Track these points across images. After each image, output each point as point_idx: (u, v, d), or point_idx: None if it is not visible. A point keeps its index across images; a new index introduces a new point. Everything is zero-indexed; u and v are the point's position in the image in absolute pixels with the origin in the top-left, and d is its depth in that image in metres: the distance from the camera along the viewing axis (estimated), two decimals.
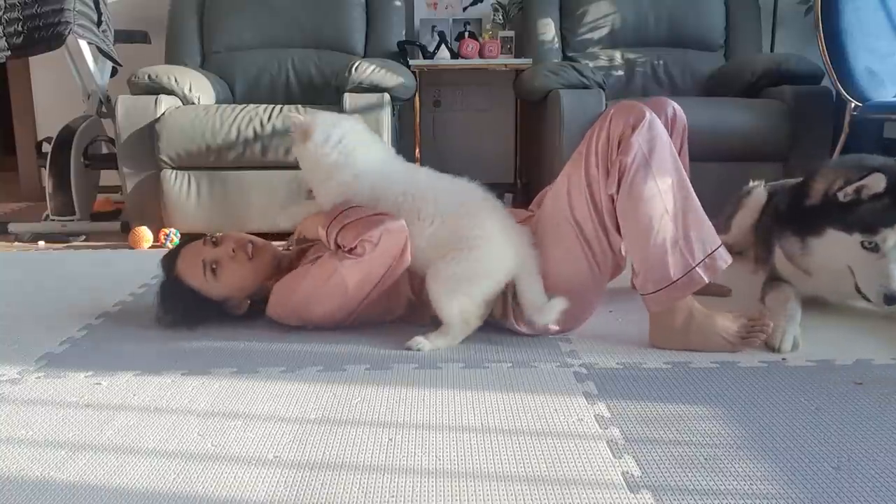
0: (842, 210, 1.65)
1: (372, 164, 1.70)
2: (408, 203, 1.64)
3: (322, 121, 1.71)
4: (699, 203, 1.57)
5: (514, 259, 1.61)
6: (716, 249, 1.55)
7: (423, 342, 1.63)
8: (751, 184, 2.28)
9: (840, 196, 1.65)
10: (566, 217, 1.62)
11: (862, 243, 1.63)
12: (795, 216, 1.78)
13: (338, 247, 1.63)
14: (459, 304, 1.62)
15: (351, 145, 1.68)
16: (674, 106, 1.80)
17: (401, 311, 1.77)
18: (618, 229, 1.59)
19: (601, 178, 1.57)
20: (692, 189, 1.57)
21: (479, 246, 1.59)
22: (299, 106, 2.81)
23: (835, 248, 1.68)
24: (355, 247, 1.60)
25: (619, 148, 1.54)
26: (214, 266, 1.74)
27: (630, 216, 1.55)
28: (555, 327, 1.67)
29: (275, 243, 1.91)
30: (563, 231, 1.63)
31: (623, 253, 1.65)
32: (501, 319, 1.72)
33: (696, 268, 1.53)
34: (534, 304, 1.60)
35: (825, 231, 1.69)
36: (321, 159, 1.68)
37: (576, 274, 1.64)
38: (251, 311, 1.80)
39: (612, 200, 1.57)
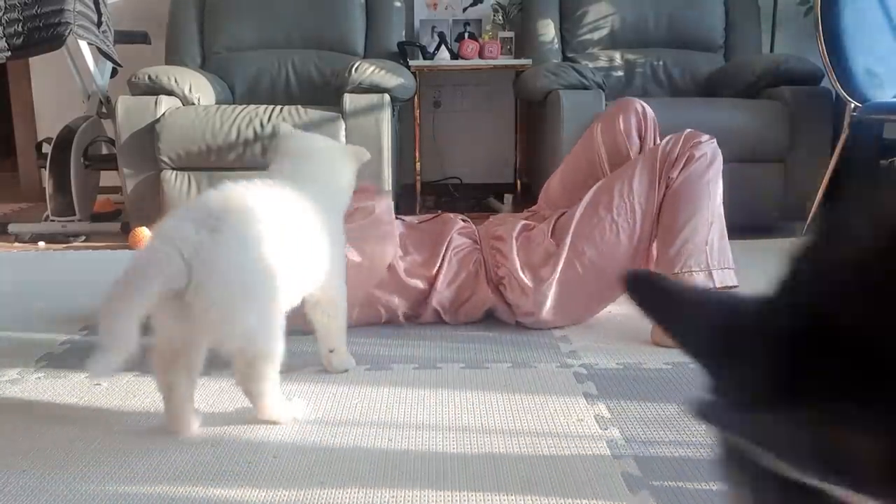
0: None
1: None
2: None
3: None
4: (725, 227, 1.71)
5: None
6: (730, 267, 1.67)
7: None
8: None
9: None
10: (628, 197, 1.70)
11: None
12: None
13: None
14: None
15: None
16: (641, 103, 1.90)
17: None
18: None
19: (667, 168, 1.69)
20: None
21: None
22: (299, 107, 2.81)
23: None
24: None
25: (690, 146, 1.69)
26: None
27: (677, 200, 1.67)
28: (550, 318, 1.74)
29: None
30: (618, 208, 1.71)
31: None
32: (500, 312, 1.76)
33: (713, 270, 1.64)
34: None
35: None
36: None
37: (610, 255, 1.71)
38: None
39: (668, 186, 1.69)
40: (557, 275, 1.70)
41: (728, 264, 1.67)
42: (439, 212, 1.94)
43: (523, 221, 1.82)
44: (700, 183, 1.68)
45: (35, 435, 1.27)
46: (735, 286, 1.66)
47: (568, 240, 1.71)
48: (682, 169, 1.68)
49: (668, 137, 1.75)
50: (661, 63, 3.37)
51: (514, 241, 1.74)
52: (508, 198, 3.47)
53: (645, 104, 1.89)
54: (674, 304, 0.43)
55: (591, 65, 3.21)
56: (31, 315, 1.94)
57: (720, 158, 1.72)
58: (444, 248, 1.76)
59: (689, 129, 1.76)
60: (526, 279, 1.71)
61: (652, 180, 1.70)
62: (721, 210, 1.71)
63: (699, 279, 1.61)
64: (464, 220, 1.87)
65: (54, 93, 3.84)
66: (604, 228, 1.71)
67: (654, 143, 1.90)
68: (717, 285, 1.62)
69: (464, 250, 1.77)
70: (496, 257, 1.75)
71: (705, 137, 1.72)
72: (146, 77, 2.88)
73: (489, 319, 1.79)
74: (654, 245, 1.72)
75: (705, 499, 1.04)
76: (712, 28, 3.40)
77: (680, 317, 0.42)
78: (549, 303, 1.71)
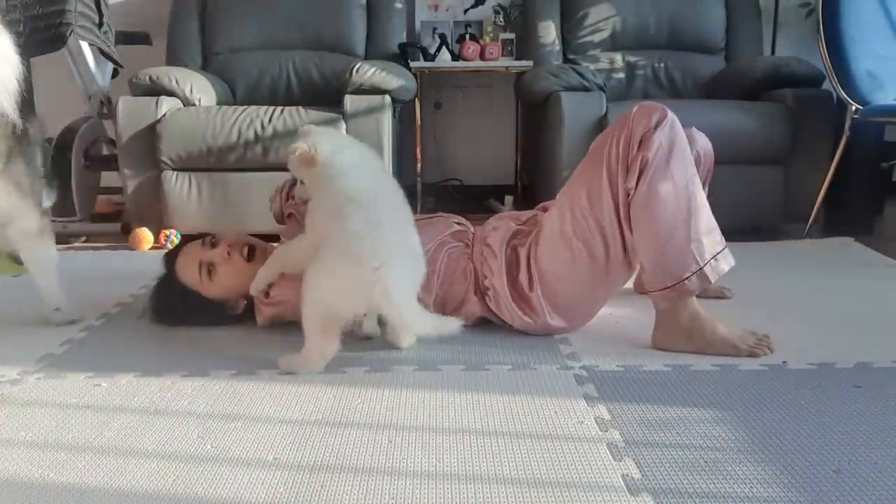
0: None
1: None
2: None
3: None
4: (707, 203, 1.60)
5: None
6: (721, 251, 1.58)
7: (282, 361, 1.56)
8: None
9: None
10: (582, 214, 1.62)
11: None
12: None
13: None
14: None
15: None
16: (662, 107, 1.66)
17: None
18: (631, 226, 1.60)
19: (620, 174, 1.58)
20: (702, 189, 1.61)
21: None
22: (300, 108, 2.81)
23: None
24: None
25: (640, 145, 1.56)
26: (210, 267, 1.75)
27: (646, 211, 1.56)
28: (559, 325, 1.71)
29: (274, 245, 1.91)
30: (576, 230, 1.63)
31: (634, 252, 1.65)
32: (497, 316, 1.75)
33: (704, 268, 1.56)
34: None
35: None
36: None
37: (585, 273, 1.65)
38: (249, 312, 1.80)
39: (628, 195, 1.58)
40: (543, 302, 1.68)
41: (718, 246, 1.57)
42: (439, 213, 1.93)
43: (516, 227, 1.79)
44: (662, 186, 1.53)
45: (34, 436, 1.27)
46: (732, 265, 1.59)
47: (535, 274, 1.67)
48: (639, 176, 1.54)
49: (611, 138, 1.59)
50: (662, 65, 3.37)
51: (502, 256, 1.71)
52: (509, 199, 3.47)
53: (665, 107, 1.62)
54: None
55: (592, 67, 3.21)
56: (32, 315, 1.94)
57: (679, 135, 1.56)
58: (438, 248, 1.75)
59: (634, 112, 1.58)
60: (514, 305, 1.69)
61: (604, 196, 1.59)
62: (697, 187, 1.56)
63: (694, 285, 1.56)
64: (458, 224, 1.86)
65: (55, 94, 3.84)
66: (567, 257, 1.64)
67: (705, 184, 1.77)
68: (714, 280, 1.57)
69: (455, 252, 1.77)
70: (483, 268, 1.73)
71: (654, 120, 1.55)
72: (147, 78, 2.88)
73: (489, 320, 1.79)
74: (636, 252, 1.62)
75: (705, 501, 1.04)
76: (713, 30, 3.40)
77: None
78: (546, 322, 1.70)
